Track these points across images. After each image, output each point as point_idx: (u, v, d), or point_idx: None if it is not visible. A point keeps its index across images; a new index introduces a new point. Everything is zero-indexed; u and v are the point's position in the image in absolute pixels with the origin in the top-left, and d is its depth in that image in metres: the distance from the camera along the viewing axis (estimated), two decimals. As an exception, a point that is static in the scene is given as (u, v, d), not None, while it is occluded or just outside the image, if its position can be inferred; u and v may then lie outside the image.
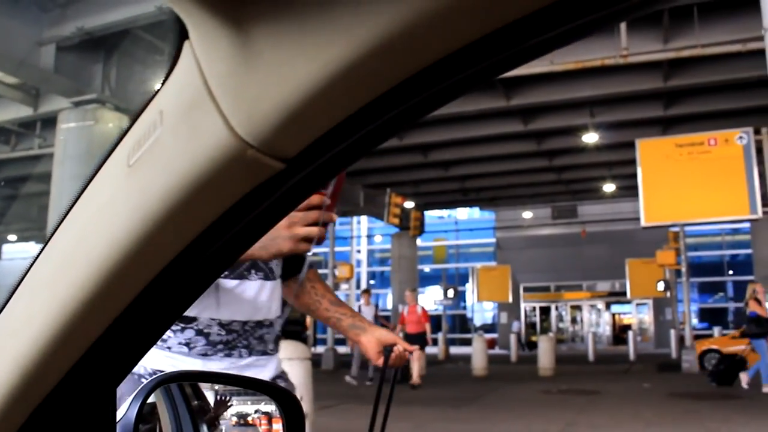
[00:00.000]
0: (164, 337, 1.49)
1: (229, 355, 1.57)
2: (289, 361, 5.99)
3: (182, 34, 0.48)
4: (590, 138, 17.17)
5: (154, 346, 1.35)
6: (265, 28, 0.41)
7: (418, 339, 12.89)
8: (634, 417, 8.85)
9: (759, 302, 11.71)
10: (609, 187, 23.79)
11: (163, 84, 0.51)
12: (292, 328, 22.46)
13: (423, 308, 14.24)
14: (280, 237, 1.34)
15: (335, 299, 1.89)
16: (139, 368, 1.46)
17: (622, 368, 18.21)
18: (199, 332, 1.53)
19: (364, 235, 35.50)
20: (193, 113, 0.47)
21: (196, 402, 1.10)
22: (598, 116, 15.92)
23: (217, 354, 1.56)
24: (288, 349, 6.25)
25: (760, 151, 10.03)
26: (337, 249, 23.26)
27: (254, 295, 1.60)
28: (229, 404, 1.11)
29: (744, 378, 11.84)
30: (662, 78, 13.67)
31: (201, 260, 0.54)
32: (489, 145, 18.77)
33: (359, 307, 14.43)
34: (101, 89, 12.73)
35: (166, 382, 0.90)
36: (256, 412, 1.10)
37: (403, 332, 13.43)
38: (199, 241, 0.52)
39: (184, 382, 1.01)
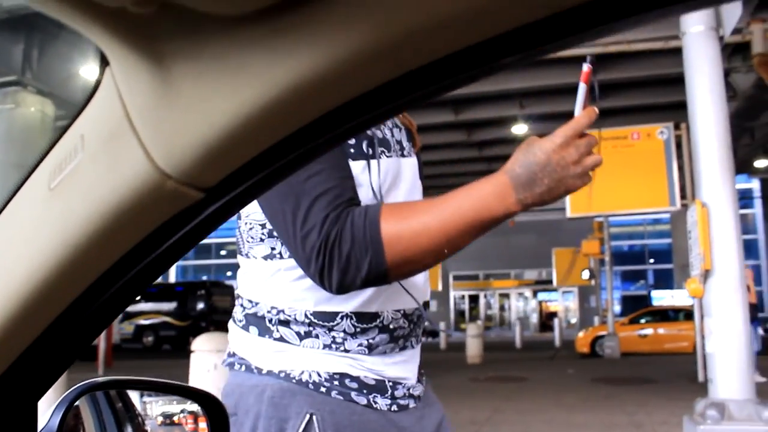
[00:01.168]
0: (339, 340, 1.26)
1: (404, 348, 1.34)
2: (218, 353, 5.95)
3: (103, 60, 0.49)
4: (520, 129, 17.52)
5: (329, 350, 1.27)
6: (185, 66, 0.42)
7: None
8: (558, 403, 9.14)
9: (747, 288, 11.84)
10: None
11: (84, 107, 0.52)
12: (222, 318, 22.20)
13: None
14: (569, 176, 1.13)
15: None
16: (315, 374, 1.26)
17: (548, 355, 18.75)
18: (383, 329, 1.29)
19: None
20: (114, 142, 0.47)
21: (120, 405, 1.10)
22: (528, 108, 16.26)
23: (395, 350, 1.32)
24: (216, 340, 6.20)
25: (679, 145, 10.44)
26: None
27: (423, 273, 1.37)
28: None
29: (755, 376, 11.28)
30: (589, 72, 14.03)
31: (120, 283, 0.55)
32: (420, 134, 18.88)
33: None
34: (22, 71, 12.24)
35: (88, 391, 0.90)
36: (182, 411, 1.10)
37: None
38: (118, 266, 0.53)
39: (107, 389, 1.00)
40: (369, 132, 1.27)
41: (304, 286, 1.26)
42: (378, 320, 1.28)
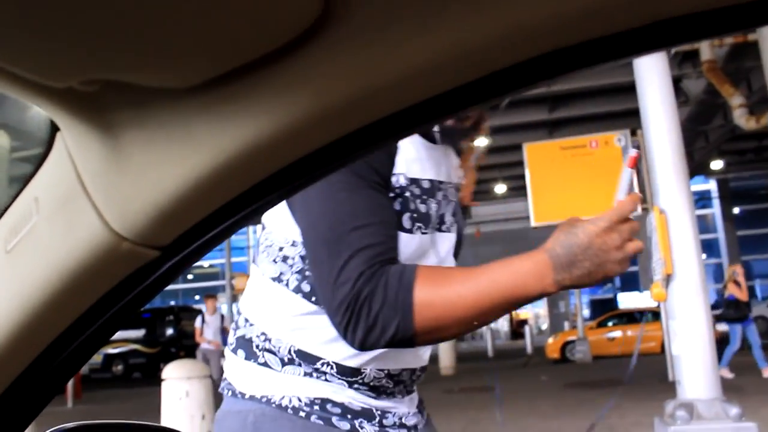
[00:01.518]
0: (321, 371, 1.26)
1: (391, 396, 1.34)
2: (189, 380, 5.89)
3: (53, 125, 0.50)
4: (481, 141, 17.66)
5: (310, 377, 1.27)
6: (134, 134, 0.44)
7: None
8: (532, 410, 9.20)
9: (738, 285, 11.34)
10: (500, 188, 24.53)
11: (36, 170, 0.53)
12: (192, 342, 21.87)
13: (222, 316, 12.05)
14: (609, 261, 1.10)
15: None
16: (296, 398, 1.26)
17: (521, 362, 18.85)
18: (363, 384, 1.28)
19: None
20: (69, 205, 0.49)
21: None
22: (488, 120, 16.39)
23: (380, 397, 1.32)
24: (187, 367, 6.14)
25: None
26: (234, 259, 22.88)
27: None
28: None
29: (724, 373, 10.64)
30: (546, 84, 14.27)
31: (81, 339, 0.55)
32: None
33: (202, 317, 11.99)
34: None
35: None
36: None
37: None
38: (77, 324, 0.53)
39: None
40: (412, 205, 1.27)
41: (296, 322, 1.27)
42: (359, 376, 1.27)
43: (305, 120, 0.40)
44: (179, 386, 5.93)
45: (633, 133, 10.65)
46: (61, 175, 0.49)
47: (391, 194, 1.25)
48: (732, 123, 13.84)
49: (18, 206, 0.53)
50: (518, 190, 22.10)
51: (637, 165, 1.21)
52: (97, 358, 23.29)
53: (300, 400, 1.26)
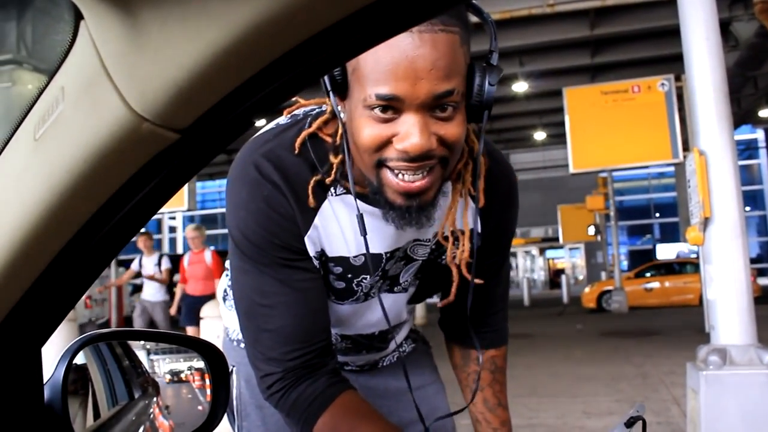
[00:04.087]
0: None
1: (348, 353, 1.43)
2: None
3: (77, 14, 0.51)
4: (520, 87, 17.41)
5: None
6: (152, 11, 0.45)
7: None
8: (567, 357, 9.25)
9: None
10: (540, 135, 24.21)
11: (63, 60, 0.55)
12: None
13: (215, 253, 9.30)
14: None
15: (494, 399, 1.41)
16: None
17: (557, 311, 18.87)
18: None
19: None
20: (92, 90, 0.50)
21: (127, 362, 1.13)
22: (527, 65, 16.12)
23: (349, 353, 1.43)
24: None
25: (680, 97, 10.36)
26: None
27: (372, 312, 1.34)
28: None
29: None
30: (589, 27, 13.91)
31: (110, 227, 0.58)
32: None
33: (140, 259, 9.76)
34: (17, 49, 12.19)
35: (90, 342, 0.93)
36: (189, 368, 1.13)
37: (183, 295, 9.14)
38: (106, 209, 0.56)
39: (110, 341, 1.03)
40: (332, 282, 1.24)
41: None
42: None
43: None
44: (217, 325, 6.08)
45: (677, 79, 10.41)
46: (85, 61, 0.51)
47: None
48: (782, 69, 13.36)
49: (46, 96, 0.55)
50: (558, 137, 21.78)
51: None
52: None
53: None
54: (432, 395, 1.52)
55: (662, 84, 10.39)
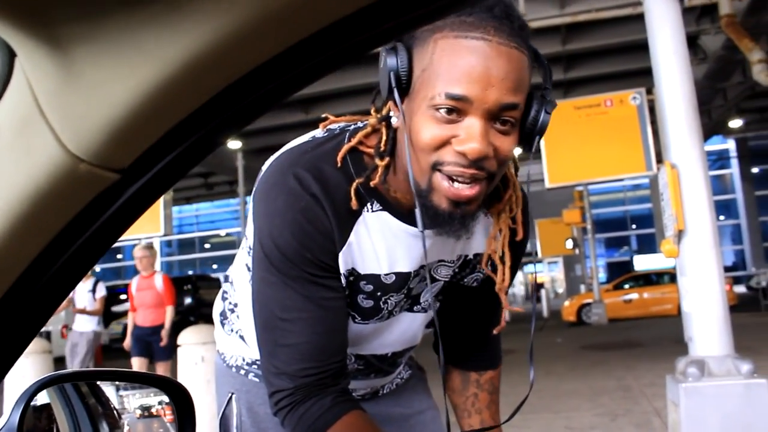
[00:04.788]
0: None
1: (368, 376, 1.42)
2: (204, 345, 5.96)
3: (11, 51, 0.49)
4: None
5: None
6: (85, 48, 0.43)
7: (154, 336, 7.57)
8: (548, 372, 9.24)
9: None
10: (516, 151, 24.29)
11: (-2, 99, 0.52)
12: (210, 311, 22.09)
13: (166, 278, 8.01)
14: None
15: (491, 420, 1.46)
16: (240, 358, 1.44)
17: (537, 325, 18.88)
18: None
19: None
20: (26, 129, 0.48)
21: (93, 400, 1.10)
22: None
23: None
24: (202, 333, 6.21)
25: (652, 110, 10.48)
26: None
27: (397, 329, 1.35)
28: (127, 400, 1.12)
29: None
30: (561, 42, 14.08)
31: (54, 270, 0.55)
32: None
33: None
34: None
35: (49, 384, 0.90)
36: (159, 403, 1.11)
37: (134, 327, 7.80)
38: (47, 253, 0.53)
39: (69, 382, 1.00)
40: (380, 292, 1.23)
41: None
42: None
43: (253, 27, 0.39)
44: (195, 351, 6.01)
45: (648, 92, 10.52)
46: (20, 100, 0.48)
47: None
48: (751, 80, 13.57)
49: None
50: (534, 152, 21.89)
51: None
52: (117, 328, 23.59)
53: (244, 360, 1.43)
54: (429, 421, 1.54)
55: (634, 97, 10.48)
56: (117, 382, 1.09)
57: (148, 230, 12.15)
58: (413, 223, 1.15)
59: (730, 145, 33.88)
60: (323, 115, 1.26)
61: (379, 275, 1.21)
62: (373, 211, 1.17)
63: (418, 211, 1.06)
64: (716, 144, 34.28)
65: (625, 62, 15.65)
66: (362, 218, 1.16)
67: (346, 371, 1.21)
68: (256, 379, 1.42)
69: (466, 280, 1.31)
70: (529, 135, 1.10)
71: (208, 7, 0.38)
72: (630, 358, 10.06)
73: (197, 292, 22.97)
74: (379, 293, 1.23)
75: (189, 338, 6.10)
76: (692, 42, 13.88)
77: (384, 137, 1.13)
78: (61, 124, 0.46)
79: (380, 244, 1.19)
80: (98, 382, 1.10)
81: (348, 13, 0.39)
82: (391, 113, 1.12)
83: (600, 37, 14.15)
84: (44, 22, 0.43)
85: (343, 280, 1.19)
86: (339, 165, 1.13)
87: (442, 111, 1.01)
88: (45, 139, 0.47)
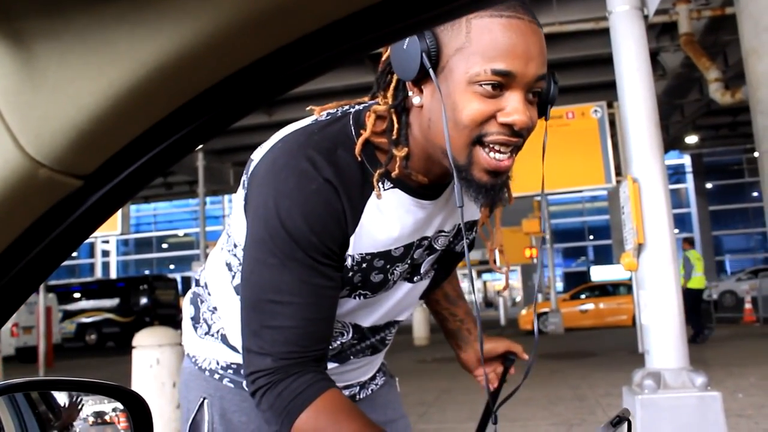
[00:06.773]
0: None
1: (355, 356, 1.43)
2: (160, 348, 5.85)
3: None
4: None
5: (228, 347, 1.34)
6: (49, 45, 0.40)
7: None
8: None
9: None
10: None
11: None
12: (166, 312, 21.79)
13: None
14: None
15: (454, 292, 1.62)
16: (214, 362, 1.40)
17: (494, 333, 19.03)
18: None
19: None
20: None
21: (43, 408, 1.06)
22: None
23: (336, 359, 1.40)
24: (158, 334, 6.09)
25: (612, 123, 10.65)
26: (209, 228, 22.70)
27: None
28: (80, 407, 1.08)
29: None
30: (524, 54, 14.24)
31: (8, 279, 0.52)
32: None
33: None
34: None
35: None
36: (113, 410, 1.08)
37: None
38: (2, 261, 0.50)
39: (21, 392, 0.96)
40: (370, 275, 1.24)
41: (232, 313, 1.33)
42: None
43: (234, 30, 0.36)
44: (150, 354, 5.88)
45: (610, 105, 10.70)
46: None
47: (350, 270, 1.21)
48: (708, 97, 13.92)
49: None
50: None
51: None
52: (70, 327, 23.11)
53: (218, 363, 1.40)
54: (402, 429, 1.58)
55: (595, 110, 10.65)
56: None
57: (105, 229, 11.87)
58: (423, 197, 1.22)
59: (686, 160, 34.66)
60: (310, 109, 1.28)
61: (390, 250, 1.25)
62: (384, 190, 1.20)
63: (456, 187, 1.09)
64: (673, 159, 35.04)
65: (587, 75, 15.91)
66: (373, 197, 1.19)
67: (325, 359, 1.22)
68: (231, 385, 1.39)
69: (457, 247, 1.39)
70: (544, 104, 1.18)
71: (189, 7, 0.35)
72: (585, 367, 10.18)
73: (153, 292, 22.64)
74: (388, 266, 1.26)
75: (144, 340, 5.97)
76: (652, 58, 14.15)
77: (396, 124, 1.16)
78: (20, 125, 0.42)
79: (393, 222, 1.22)
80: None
81: (333, 21, 0.37)
82: (410, 94, 1.15)
83: (563, 49, 14.36)
84: (3, 15, 0.39)
85: (354, 264, 1.21)
86: (359, 159, 1.16)
87: (487, 86, 1.05)
88: (1, 141, 0.43)
